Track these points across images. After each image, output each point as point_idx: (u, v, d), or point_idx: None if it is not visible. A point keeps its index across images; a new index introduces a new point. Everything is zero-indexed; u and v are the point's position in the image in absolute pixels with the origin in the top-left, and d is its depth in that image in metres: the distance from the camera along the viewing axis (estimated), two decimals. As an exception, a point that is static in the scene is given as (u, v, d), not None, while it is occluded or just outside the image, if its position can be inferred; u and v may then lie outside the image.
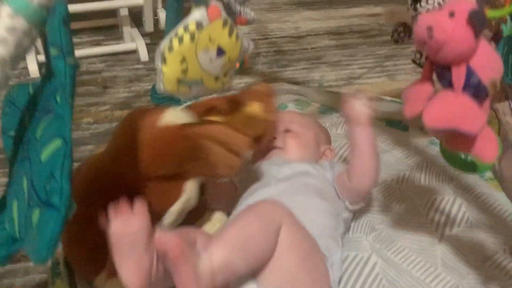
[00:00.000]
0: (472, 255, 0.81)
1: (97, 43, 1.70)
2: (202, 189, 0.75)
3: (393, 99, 1.23)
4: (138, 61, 1.58)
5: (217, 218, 0.86)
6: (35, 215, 0.45)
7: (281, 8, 2.02)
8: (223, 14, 0.56)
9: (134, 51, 1.62)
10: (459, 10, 0.50)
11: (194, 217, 0.84)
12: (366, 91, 0.84)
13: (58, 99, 0.46)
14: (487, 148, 0.55)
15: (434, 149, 1.08)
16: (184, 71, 0.55)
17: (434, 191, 0.96)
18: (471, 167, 0.66)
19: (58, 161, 0.43)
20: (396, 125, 1.18)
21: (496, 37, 0.90)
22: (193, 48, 0.54)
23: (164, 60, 0.54)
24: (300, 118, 1.00)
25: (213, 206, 0.87)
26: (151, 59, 1.58)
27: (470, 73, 0.51)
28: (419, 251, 0.82)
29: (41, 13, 0.45)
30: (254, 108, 0.78)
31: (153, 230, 0.71)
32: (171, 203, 0.70)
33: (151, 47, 1.64)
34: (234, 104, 0.77)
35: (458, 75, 0.51)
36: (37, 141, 0.49)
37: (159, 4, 1.70)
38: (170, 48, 0.53)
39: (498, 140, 0.55)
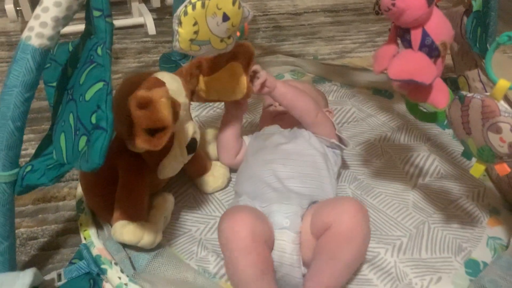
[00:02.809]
0: (439, 199, 0.95)
1: (107, 18, 1.81)
2: (192, 148, 0.80)
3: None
4: (146, 34, 1.69)
5: (220, 173, 0.97)
6: (82, 141, 0.58)
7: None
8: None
9: (142, 25, 1.73)
10: None
11: (199, 172, 0.94)
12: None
13: (99, 51, 0.59)
14: (440, 97, 0.68)
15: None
16: (196, 33, 0.67)
17: (411, 149, 1.09)
18: (429, 117, 0.81)
19: (102, 97, 0.55)
20: (382, 93, 1.31)
21: (467, 12, 1.01)
22: (203, 13, 0.66)
23: (180, 22, 0.66)
24: (297, 83, 1.09)
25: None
26: (158, 33, 1.69)
27: (425, 35, 0.64)
28: (394, 196, 0.96)
29: (87, -18, 0.57)
30: (233, 67, 0.84)
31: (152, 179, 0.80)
32: (161, 157, 0.76)
33: (158, 22, 1.75)
34: (214, 65, 0.84)
35: (415, 36, 0.64)
36: (81, 85, 0.61)
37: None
38: (185, 12, 0.65)
39: (449, 90, 0.69)
